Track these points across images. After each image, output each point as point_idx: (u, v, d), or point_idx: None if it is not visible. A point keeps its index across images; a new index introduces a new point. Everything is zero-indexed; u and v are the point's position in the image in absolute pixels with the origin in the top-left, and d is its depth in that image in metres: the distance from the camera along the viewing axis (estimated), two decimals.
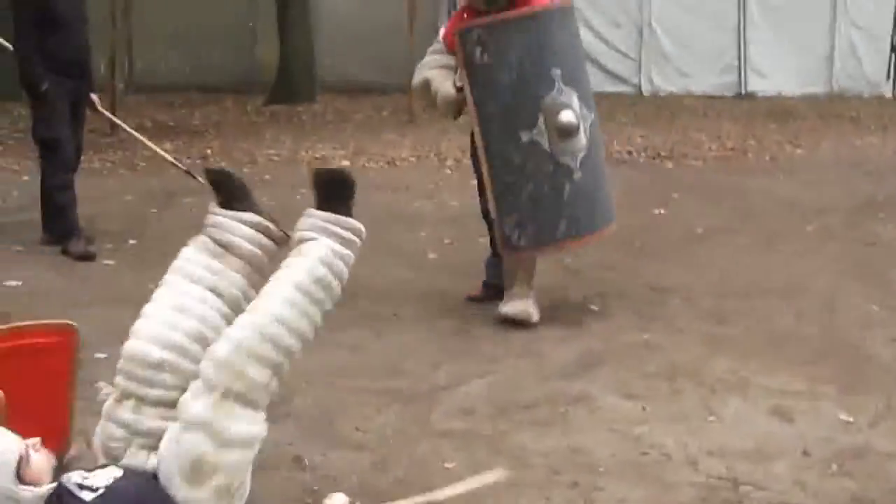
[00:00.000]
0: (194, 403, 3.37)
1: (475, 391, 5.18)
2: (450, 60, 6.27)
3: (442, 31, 6.56)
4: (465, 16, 6.29)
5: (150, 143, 9.06)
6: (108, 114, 8.89)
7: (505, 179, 6.02)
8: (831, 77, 19.28)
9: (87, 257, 7.74)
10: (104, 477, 3.31)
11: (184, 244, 3.85)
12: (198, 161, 11.27)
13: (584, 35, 18.72)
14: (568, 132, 5.96)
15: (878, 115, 16.32)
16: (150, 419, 3.48)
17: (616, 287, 7.03)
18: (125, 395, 3.53)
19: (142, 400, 3.49)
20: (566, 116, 5.95)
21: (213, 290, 3.65)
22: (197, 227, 3.89)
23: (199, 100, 17.20)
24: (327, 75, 17.91)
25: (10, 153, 12.67)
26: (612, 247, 7.97)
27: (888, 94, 19.14)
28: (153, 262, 5.42)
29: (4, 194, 10.14)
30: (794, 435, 4.68)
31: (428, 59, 6.50)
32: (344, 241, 3.78)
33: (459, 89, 6.21)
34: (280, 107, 16.71)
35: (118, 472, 3.35)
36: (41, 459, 3.32)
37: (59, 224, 8.00)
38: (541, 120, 5.95)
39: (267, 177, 11.08)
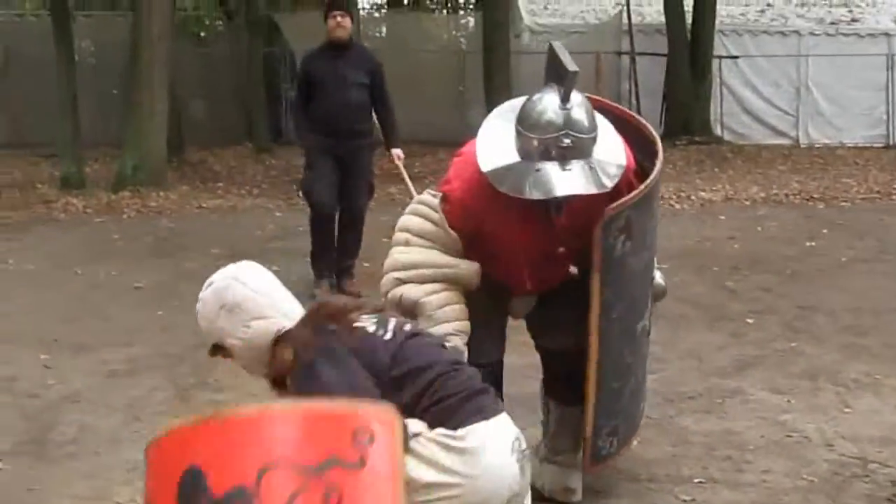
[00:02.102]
0: None
1: (648, 385, 5.32)
2: (447, 241, 3.56)
3: (439, 197, 3.65)
4: (472, 185, 3.54)
5: (410, 185, 7.57)
6: (402, 168, 7.78)
7: (611, 386, 3.81)
8: None
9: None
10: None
11: None
12: None
13: (748, 95, 19.00)
14: (662, 297, 4.05)
15: None
16: None
17: (769, 305, 7.06)
18: None
19: None
20: (659, 277, 3.98)
21: None
22: None
23: (418, 152, 17.69)
24: None
25: (265, 194, 13.40)
26: (769, 272, 8.12)
27: None
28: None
29: (263, 226, 10.82)
30: None
31: (414, 224, 3.63)
32: None
33: None
34: None
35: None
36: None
37: (313, 266, 7.64)
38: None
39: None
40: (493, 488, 2.69)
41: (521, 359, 5.66)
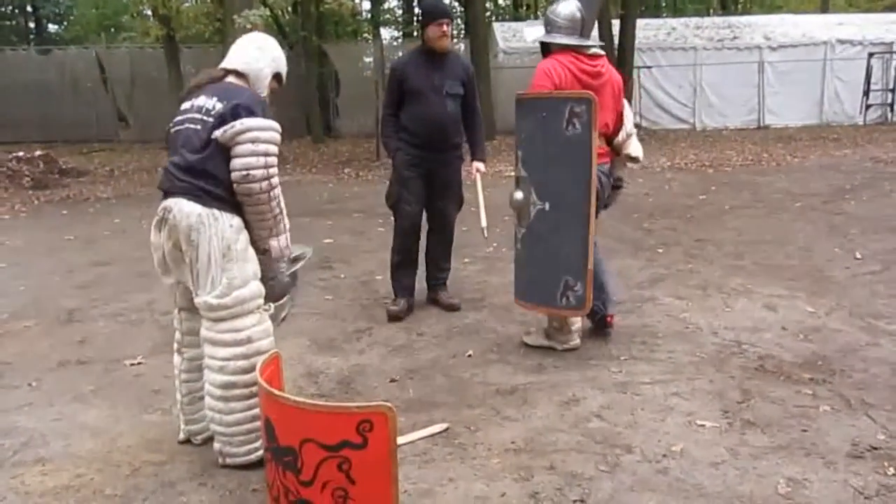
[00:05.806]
0: None
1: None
2: None
3: None
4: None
5: (482, 201, 4.93)
6: (480, 184, 5.06)
7: None
8: (821, 113, 18.69)
9: (392, 318, 5.02)
10: None
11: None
12: None
13: (659, 94, 18.86)
14: (511, 206, 4.21)
15: (852, 137, 15.64)
16: None
17: (674, 239, 7.04)
18: None
19: None
20: (513, 195, 4.17)
21: None
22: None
23: None
24: (501, 124, 18.16)
25: (320, 172, 13.32)
26: (673, 217, 8.10)
27: (860, 122, 18.41)
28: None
29: (320, 194, 10.80)
30: (778, 319, 4.72)
31: None
32: None
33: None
34: None
35: None
36: None
37: (393, 283, 5.21)
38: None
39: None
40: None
41: (503, 278, 5.76)
